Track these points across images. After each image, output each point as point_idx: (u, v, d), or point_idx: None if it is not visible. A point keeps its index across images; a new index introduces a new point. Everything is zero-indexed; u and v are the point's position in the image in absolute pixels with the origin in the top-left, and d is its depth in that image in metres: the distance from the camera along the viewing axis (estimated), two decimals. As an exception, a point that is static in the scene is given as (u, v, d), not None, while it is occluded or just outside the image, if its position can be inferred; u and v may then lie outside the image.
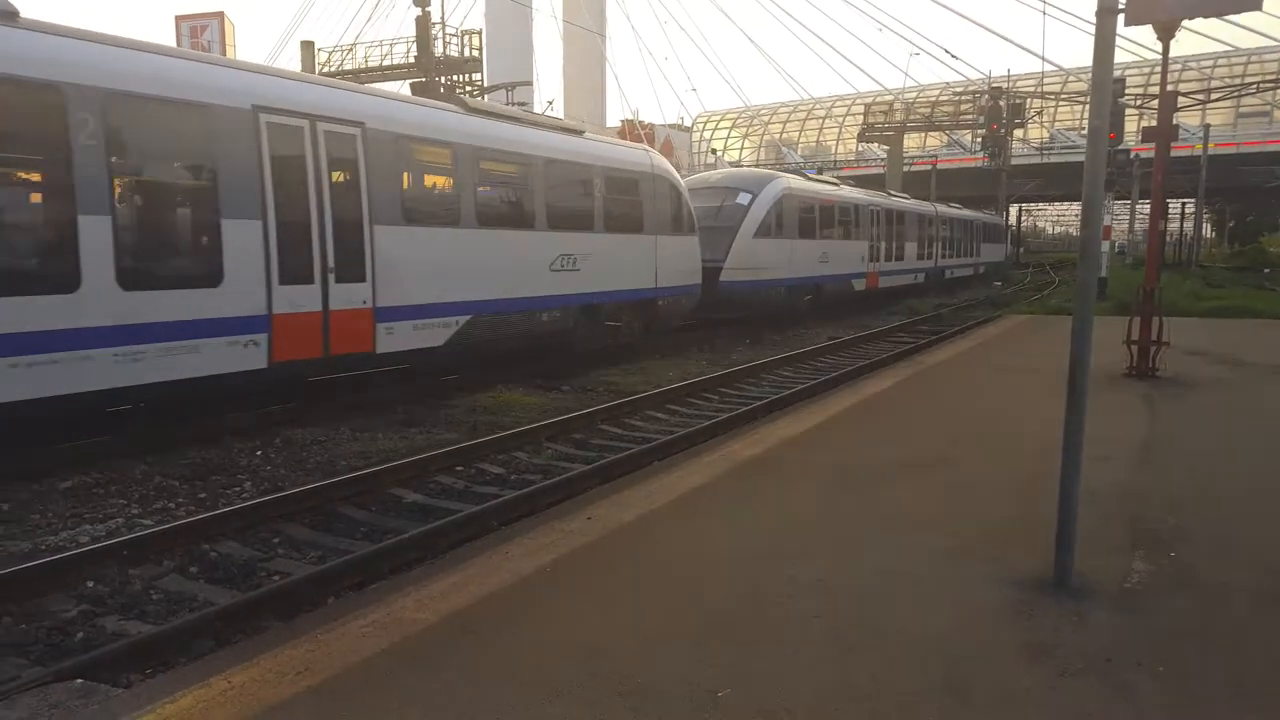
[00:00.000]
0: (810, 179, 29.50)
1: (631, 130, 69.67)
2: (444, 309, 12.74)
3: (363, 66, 39.55)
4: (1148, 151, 19.83)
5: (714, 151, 73.13)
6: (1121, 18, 4.88)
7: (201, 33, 43.07)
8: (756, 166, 30.81)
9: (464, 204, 13.23)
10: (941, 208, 41.27)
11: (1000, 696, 3.89)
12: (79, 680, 4.30)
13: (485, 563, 5.48)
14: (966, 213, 45.73)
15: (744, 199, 23.43)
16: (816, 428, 9.60)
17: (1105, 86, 4.88)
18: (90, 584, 6.07)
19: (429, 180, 13.41)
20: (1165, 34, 12.95)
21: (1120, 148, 25.99)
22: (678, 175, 19.56)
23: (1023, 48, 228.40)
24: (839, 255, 28.13)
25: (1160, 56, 13.72)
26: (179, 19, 44.25)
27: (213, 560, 6.65)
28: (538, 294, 14.68)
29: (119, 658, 4.85)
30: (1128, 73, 45.72)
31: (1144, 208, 45.33)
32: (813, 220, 26.09)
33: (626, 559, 5.64)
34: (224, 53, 40.67)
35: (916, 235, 36.09)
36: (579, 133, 16.79)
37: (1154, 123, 14.11)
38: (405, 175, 12.47)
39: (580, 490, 7.78)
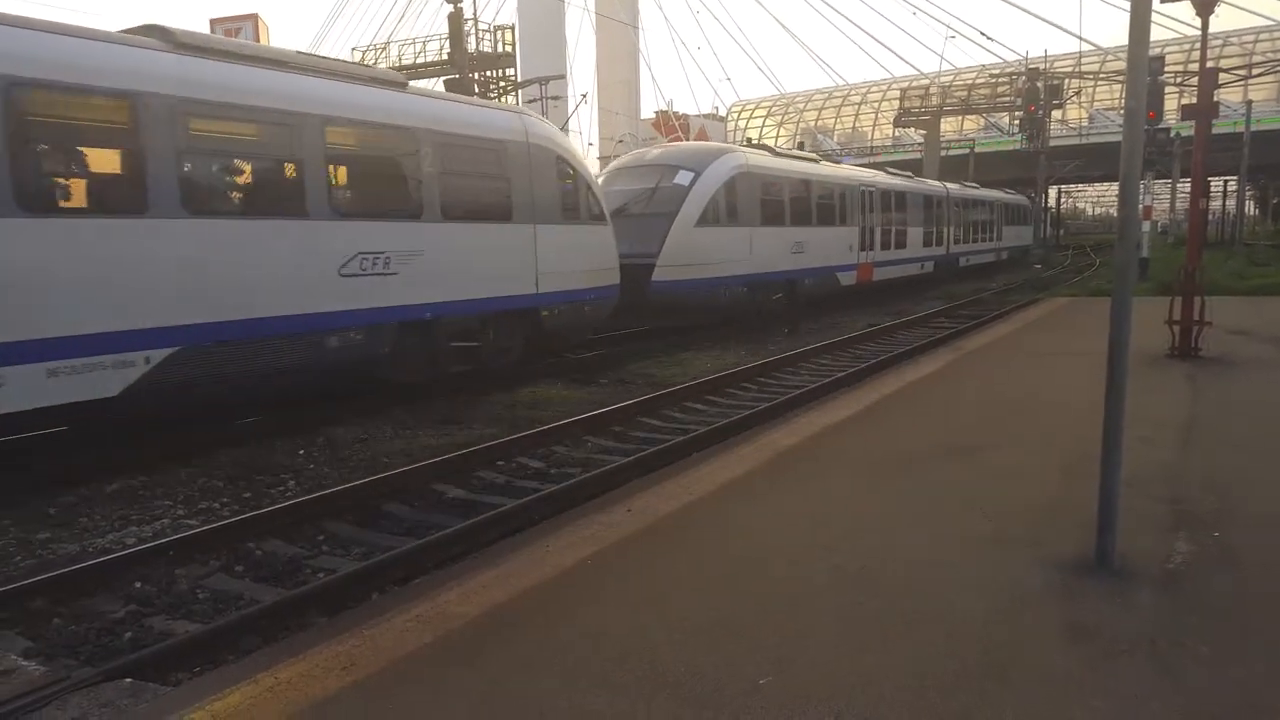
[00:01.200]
0: (780, 154, 24.70)
1: (666, 120, 69.70)
2: (117, 341, 8.62)
3: (396, 64, 39.64)
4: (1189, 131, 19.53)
5: (749, 140, 72.67)
6: (1156, -6, 4.82)
7: (235, 34, 43.38)
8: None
9: (158, 182, 9.04)
10: (954, 187, 37.75)
11: (1042, 679, 3.86)
12: (128, 679, 4.37)
13: (527, 556, 5.51)
14: (986, 192, 43.02)
15: (684, 178, 19.42)
16: (856, 415, 9.56)
17: (1141, 66, 4.80)
18: (138, 584, 6.17)
19: (78, 147, 8.99)
20: (1204, 9, 12.78)
21: (1160, 126, 25.64)
22: (571, 145, 15.75)
23: (1060, 27, 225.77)
24: (819, 245, 24.12)
25: (1200, 32, 13.54)
26: (213, 21, 44.63)
27: (258, 559, 6.74)
28: (316, 309, 10.50)
29: (167, 656, 4.93)
30: (1167, 50, 44.94)
31: (1185, 187, 44.62)
32: (780, 203, 22.23)
33: (667, 551, 5.65)
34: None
35: (922, 219, 32.26)
36: (399, 85, 12.40)
37: (1194, 100, 13.91)
38: (23, 140, 8.16)
39: (620, 482, 7.77)
